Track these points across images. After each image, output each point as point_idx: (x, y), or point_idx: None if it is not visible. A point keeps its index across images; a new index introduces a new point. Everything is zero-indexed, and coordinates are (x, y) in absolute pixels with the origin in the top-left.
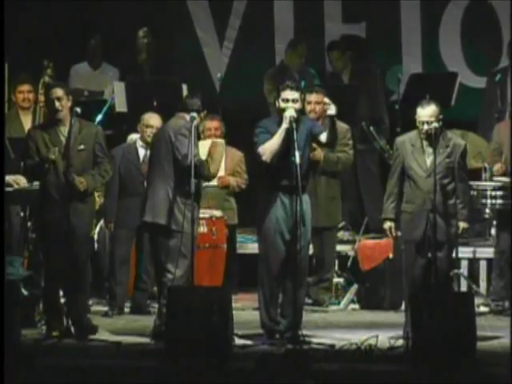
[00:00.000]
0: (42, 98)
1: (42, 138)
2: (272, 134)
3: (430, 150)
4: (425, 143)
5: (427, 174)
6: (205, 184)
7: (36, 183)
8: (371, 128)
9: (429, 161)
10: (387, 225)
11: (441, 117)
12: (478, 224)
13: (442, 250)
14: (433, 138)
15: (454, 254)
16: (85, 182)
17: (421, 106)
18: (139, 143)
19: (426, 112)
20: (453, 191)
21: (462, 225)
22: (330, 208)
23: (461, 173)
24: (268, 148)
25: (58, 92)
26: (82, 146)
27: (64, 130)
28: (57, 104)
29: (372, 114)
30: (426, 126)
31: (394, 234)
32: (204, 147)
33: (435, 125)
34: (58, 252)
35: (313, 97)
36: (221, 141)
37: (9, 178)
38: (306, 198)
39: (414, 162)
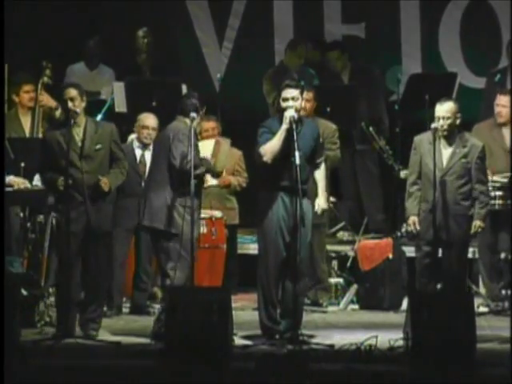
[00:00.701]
0: (41, 98)
1: (56, 141)
2: (275, 134)
3: (447, 149)
4: (442, 142)
5: (442, 173)
6: (207, 184)
7: (35, 183)
8: (370, 128)
9: (445, 160)
10: (411, 220)
11: (458, 115)
12: None
13: (452, 251)
14: (440, 134)
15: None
16: (108, 182)
17: (439, 102)
18: (136, 144)
19: (443, 108)
20: (469, 192)
21: (479, 223)
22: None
23: (478, 174)
24: (268, 149)
25: (72, 92)
26: (99, 146)
27: (79, 131)
28: (70, 104)
29: (371, 114)
30: (441, 122)
31: (418, 229)
32: (203, 148)
33: (449, 121)
34: (80, 253)
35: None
36: (225, 140)
37: (9, 179)
38: (306, 199)
39: (430, 161)
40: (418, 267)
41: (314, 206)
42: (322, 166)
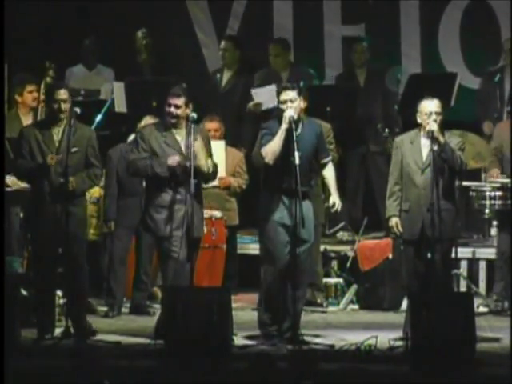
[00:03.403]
0: (43, 98)
1: (35, 137)
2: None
3: (427, 146)
4: (423, 140)
5: (422, 170)
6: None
7: None
8: (386, 130)
9: (425, 157)
10: (393, 221)
11: (442, 113)
12: (478, 224)
13: (438, 248)
14: (432, 129)
15: (453, 253)
16: (74, 182)
17: (425, 99)
18: None
19: (434, 103)
20: (450, 187)
21: None
22: (315, 205)
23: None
24: (269, 150)
25: (63, 94)
26: (75, 149)
27: (58, 131)
28: (63, 106)
29: (386, 115)
30: (433, 116)
31: (400, 231)
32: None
33: (439, 117)
34: (49, 253)
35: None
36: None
37: (8, 180)
38: (307, 201)
39: (411, 159)
40: (407, 268)
41: (322, 205)
42: (330, 165)
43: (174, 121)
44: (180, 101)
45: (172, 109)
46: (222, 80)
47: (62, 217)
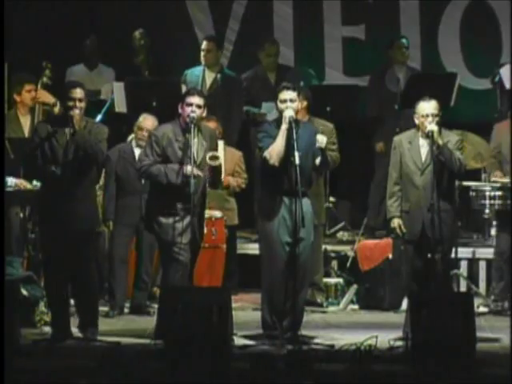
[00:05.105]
0: (39, 95)
1: (47, 132)
2: (274, 138)
3: (426, 147)
4: (421, 140)
5: (421, 170)
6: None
7: (35, 183)
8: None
9: (424, 157)
10: (395, 222)
11: (440, 114)
12: (478, 224)
13: (438, 249)
14: (431, 129)
15: (452, 253)
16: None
17: (423, 100)
18: (134, 143)
19: (431, 105)
20: (449, 187)
21: None
22: (316, 205)
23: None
24: (273, 151)
25: (80, 93)
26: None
27: (68, 131)
28: (78, 105)
29: None
30: (429, 118)
31: (404, 231)
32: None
33: (436, 118)
34: (60, 251)
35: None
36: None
37: (9, 181)
38: (306, 199)
39: (410, 159)
40: (406, 268)
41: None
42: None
43: (193, 121)
44: (201, 100)
45: (194, 108)
46: (205, 81)
47: (71, 211)
